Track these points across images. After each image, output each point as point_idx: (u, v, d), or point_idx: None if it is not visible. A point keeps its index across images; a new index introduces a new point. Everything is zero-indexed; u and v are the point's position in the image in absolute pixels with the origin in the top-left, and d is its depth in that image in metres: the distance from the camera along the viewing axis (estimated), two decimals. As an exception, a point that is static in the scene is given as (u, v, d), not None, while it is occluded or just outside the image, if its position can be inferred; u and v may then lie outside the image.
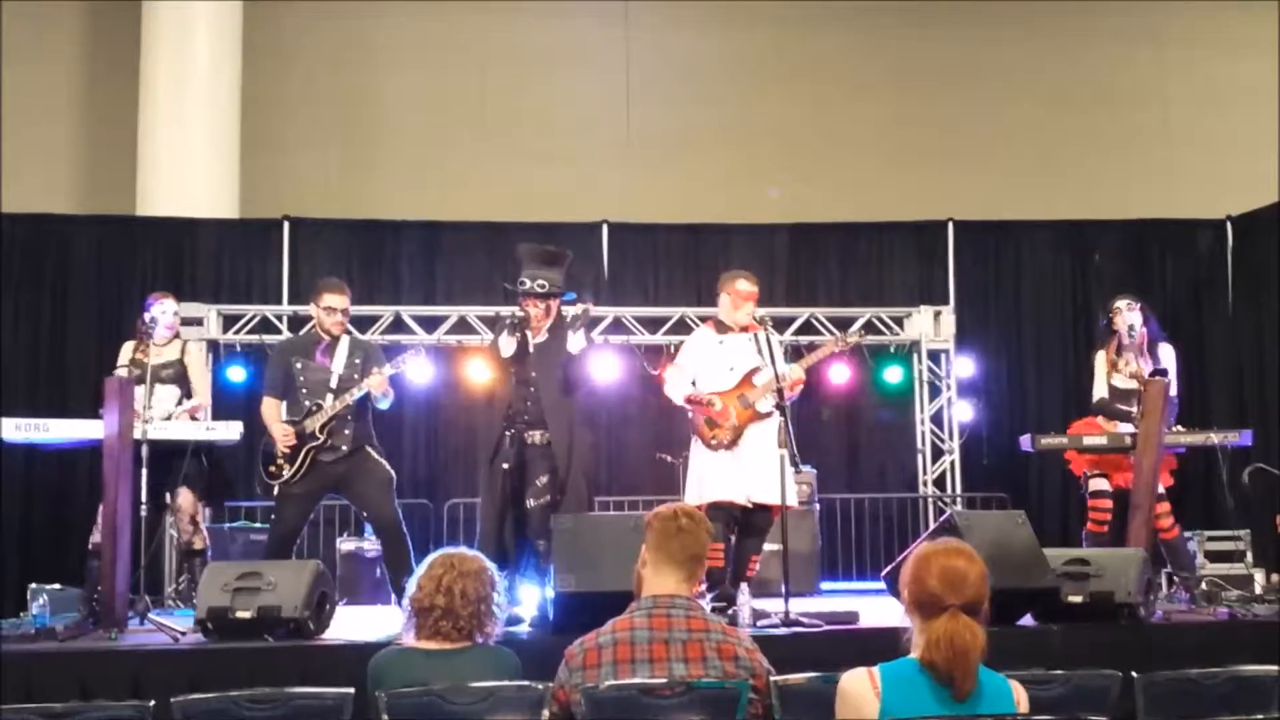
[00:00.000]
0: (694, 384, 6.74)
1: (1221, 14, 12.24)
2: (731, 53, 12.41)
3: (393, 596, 6.67)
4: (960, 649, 2.95)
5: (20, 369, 9.60)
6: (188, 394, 7.33)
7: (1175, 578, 7.23)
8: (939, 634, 2.97)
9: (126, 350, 7.26)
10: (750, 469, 6.49)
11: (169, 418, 7.03)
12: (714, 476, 6.55)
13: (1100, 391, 7.50)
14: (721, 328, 6.83)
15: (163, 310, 7.17)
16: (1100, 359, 7.59)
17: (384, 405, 6.75)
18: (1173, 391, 7.32)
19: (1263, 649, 5.03)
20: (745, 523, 6.56)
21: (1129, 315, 7.40)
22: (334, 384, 6.61)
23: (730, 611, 5.90)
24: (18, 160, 10.87)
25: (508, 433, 6.23)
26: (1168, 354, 7.45)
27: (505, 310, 6.53)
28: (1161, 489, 7.16)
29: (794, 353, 9.72)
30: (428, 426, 10.05)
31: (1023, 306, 10.69)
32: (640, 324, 9.97)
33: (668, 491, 6.88)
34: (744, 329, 6.76)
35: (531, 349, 6.28)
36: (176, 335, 7.51)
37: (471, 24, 12.05)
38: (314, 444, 6.52)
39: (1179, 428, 7.35)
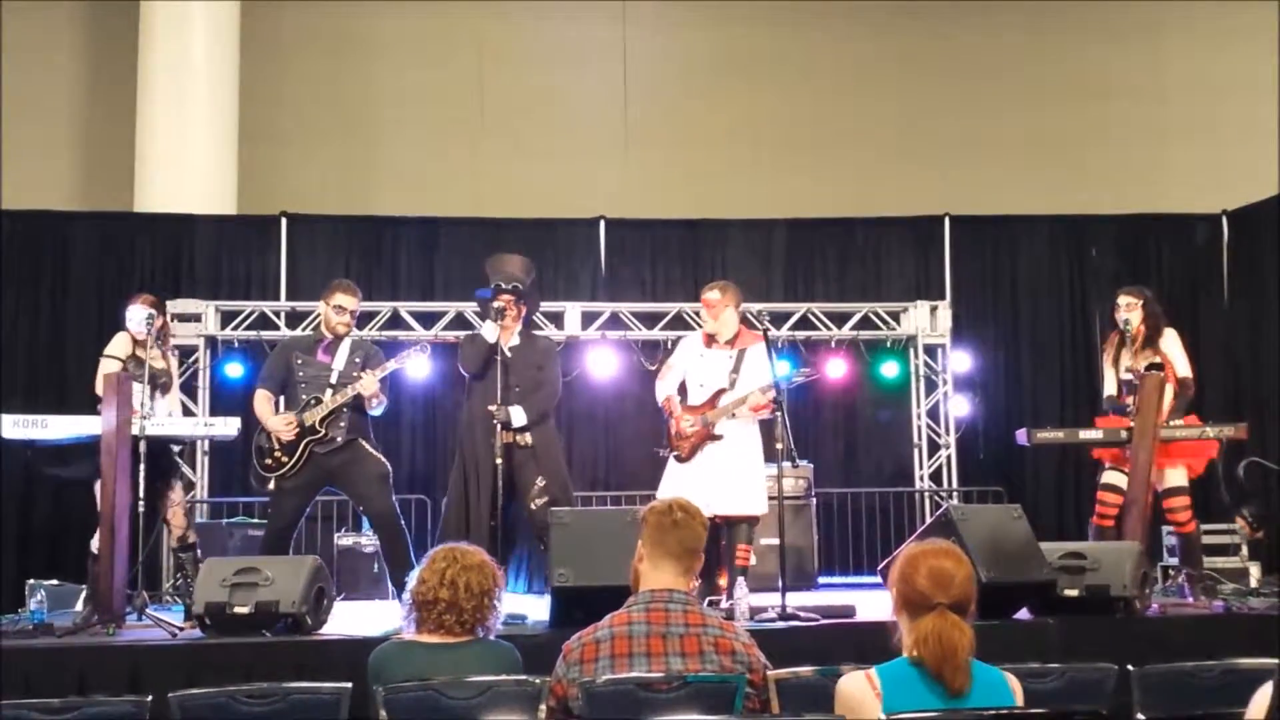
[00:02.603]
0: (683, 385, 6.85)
1: (1217, 9, 12.23)
2: (728, 49, 12.41)
3: (391, 591, 6.70)
4: (949, 645, 2.97)
5: (19, 365, 9.59)
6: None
7: (1181, 573, 7.16)
8: (926, 631, 2.99)
9: (123, 341, 6.88)
10: (707, 482, 6.51)
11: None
12: (677, 487, 6.53)
13: (1108, 389, 7.39)
14: (710, 339, 6.89)
15: (134, 317, 6.87)
16: (1105, 356, 7.47)
17: (376, 411, 6.76)
18: (1183, 373, 7.19)
19: (1258, 642, 5.05)
20: (717, 527, 6.56)
21: (1126, 313, 7.31)
22: (334, 380, 6.64)
23: (727, 606, 5.92)
24: (17, 156, 10.88)
25: (499, 432, 6.36)
26: (1170, 340, 7.27)
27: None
28: (1185, 482, 7.09)
29: (791, 348, 9.82)
30: (425, 422, 10.05)
31: (1019, 301, 10.70)
32: (637, 319, 9.97)
33: (665, 486, 6.88)
34: (730, 342, 6.81)
35: (509, 353, 6.58)
36: (160, 340, 7.27)
37: (469, 21, 12.06)
38: (313, 438, 6.54)
39: (1181, 420, 7.24)
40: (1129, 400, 7.13)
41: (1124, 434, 7.01)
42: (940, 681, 2.97)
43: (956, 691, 2.97)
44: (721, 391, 6.70)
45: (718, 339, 6.83)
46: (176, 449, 7.17)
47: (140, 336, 6.72)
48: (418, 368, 8.19)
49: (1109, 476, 7.19)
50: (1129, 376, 7.23)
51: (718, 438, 6.62)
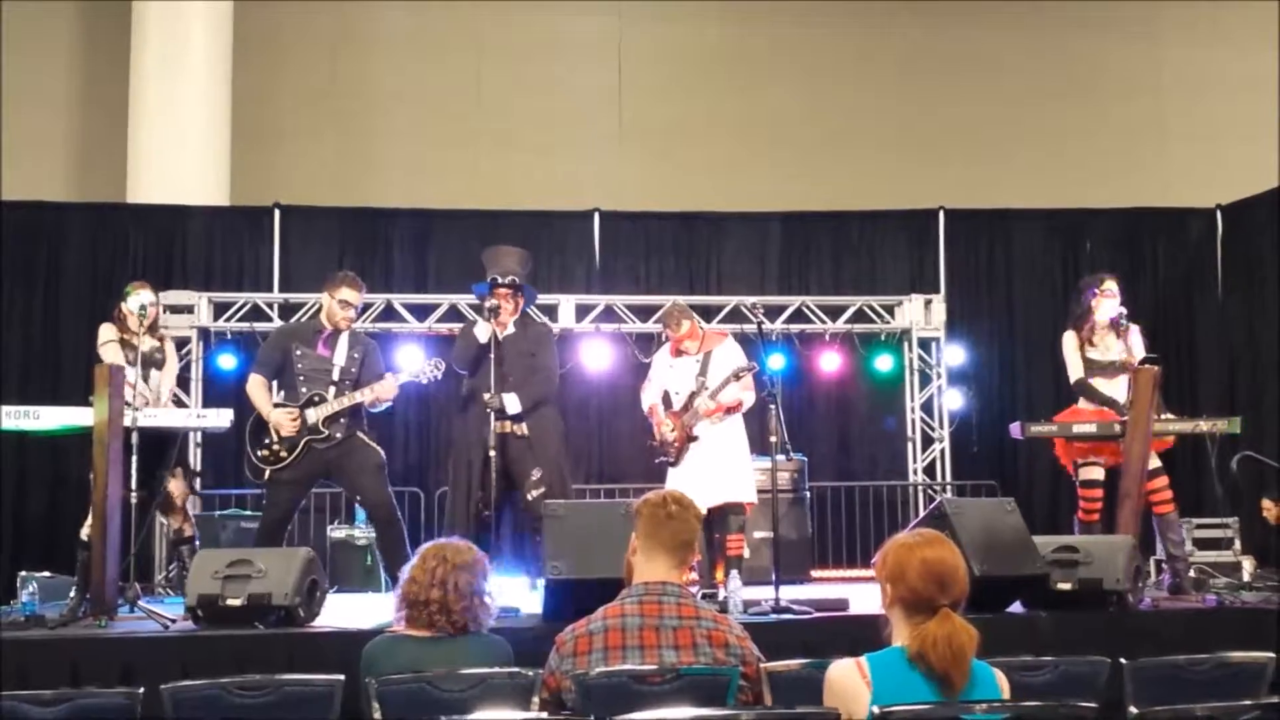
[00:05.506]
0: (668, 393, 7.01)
1: (1213, 6, 12.26)
2: (723, 43, 12.43)
3: (385, 583, 6.69)
4: (959, 651, 2.88)
5: (13, 356, 9.57)
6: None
7: (1165, 558, 7.18)
8: (935, 636, 2.88)
9: (109, 330, 7.00)
10: (696, 479, 6.59)
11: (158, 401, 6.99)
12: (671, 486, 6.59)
13: (1076, 372, 7.30)
14: (678, 350, 7.07)
15: (140, 301, 7.00)
16: (1069, 340, 7.34)
17: (378, 409, 6.75)
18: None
19: (1250, 635, 5.06)
20: (709, 519, 6.60)
21: (1117, 300, 7.26)
22: (335, 376, 6.61)
23: (721, 598, 5.93)
24: (13, 149, 10.88)
25: (493, 423, 6.38)
26: (1137, 336, 7.28)
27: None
28: (1159, 463, 7.09)
29: (786, 340, 9.83)
30: (419, 414, 10.03)
31: (1013, 294, 10.70)
32: (631, 312, 9.96)
33: (658, 479, 6.89)
34: (696, 349, 7.01)
35: (502, 342, 6.61)
36: (154, 327, 7.33)
37: (466, 15, 12.07)
38: (314, 436, 6.51)
39: (1169, 415, 7.27)
40: (1104, 379, 7.14)
41: (1117, 428, 7.00)
42: (944, 682, 2.88)
43: (958, 691, 2.89)
44: (694, 395, 6.85)
45: (688, 350, 7.04)
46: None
47: (134, 325, 6.73)
48: (410, 360, 8.21)
49: (1088, 473, 7.20)
50: (1109, 355, 7.18)
51: (696, 439, 6.79)
